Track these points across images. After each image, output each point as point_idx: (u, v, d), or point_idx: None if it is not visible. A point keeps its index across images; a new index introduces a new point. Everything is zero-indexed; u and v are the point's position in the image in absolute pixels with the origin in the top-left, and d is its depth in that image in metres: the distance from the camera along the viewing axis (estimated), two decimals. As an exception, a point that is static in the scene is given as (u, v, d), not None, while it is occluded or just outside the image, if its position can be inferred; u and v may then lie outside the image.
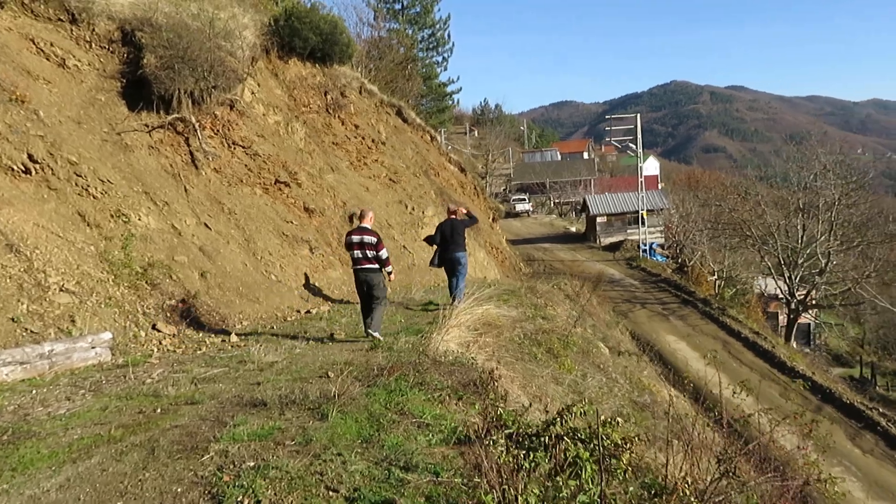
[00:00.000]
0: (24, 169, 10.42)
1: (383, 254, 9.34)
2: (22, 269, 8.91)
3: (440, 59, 42.73)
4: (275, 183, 15.29)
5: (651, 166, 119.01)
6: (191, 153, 13.65)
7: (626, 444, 5.18)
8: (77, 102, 12.45)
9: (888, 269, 28.70)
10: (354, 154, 22.03)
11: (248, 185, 14.64)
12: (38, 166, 10.57)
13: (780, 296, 49.25)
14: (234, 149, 14.68)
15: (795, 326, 32.53)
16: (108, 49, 13.73)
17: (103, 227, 10.83)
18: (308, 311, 12.42)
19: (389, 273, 9.55)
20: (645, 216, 40.36)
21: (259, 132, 15.66)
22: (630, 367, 16.26)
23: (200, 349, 8.96)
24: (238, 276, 12.34)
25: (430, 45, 41.85)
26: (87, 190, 11.02)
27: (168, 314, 10.23)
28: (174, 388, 6.48)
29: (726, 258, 38.41)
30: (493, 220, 35.58)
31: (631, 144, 39.48)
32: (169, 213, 12.11)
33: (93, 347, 8.04)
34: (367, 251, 9.28)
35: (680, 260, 42.20)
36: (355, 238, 9.42)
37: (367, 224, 9.70)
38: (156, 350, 8.93)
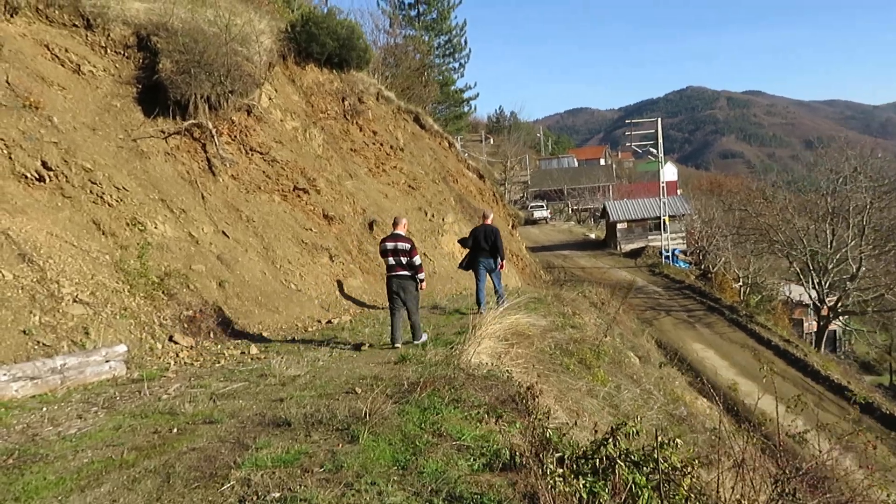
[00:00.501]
0: (37, 176, 10.11)
1: (416, 261, 9.28)
2: (35, 280, 8.56)
3: (457, 65, 42.46)
4: (293, 190, 14.93)
5: (669, 172, 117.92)
6: (208, 160, 13.32)
7: (685, 467, 4.68)
8: (92, 109, 12.16)
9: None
10: (373, 160, 21.67)
11: (267, 191, 14.29)
12: (51, 174, 10.26)
13: (806, 302, 48.28)
14: (252, 155, 14.33)
15: (825, 334, 31.65)
16: (124, 54, 13.46)
17: (119, 236, 10.49)
18: (329, 322, 12.00)
19: (421, 280, 9.46)
20: (667, 222, 39.65)
21: (277, 138, 15.32)
22: (661, 378, 15.68)
23: (219, 362, 8.54)
24: (257, 285, 11.95)
25: (447, 52, 41.52)
26: (101, 197, 10.70)
27: (185, 325, 9.85)
28: (191, 405, 6.05)
29: (751, 264, 37.58)
30: (513, 226, 35.08)
31: (652, 149, 38.83)
32: (186, 221, 11.76)
33: (107, 361, 7.65)
34: (401, 258, 9.21)
35: (703, 266, 41.41)
36: (389, 245, 9.35)
37: (400, 231, 9.54)
38: (172, 363, 8.53)
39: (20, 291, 8.28)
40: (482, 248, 11.59)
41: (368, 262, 16.14)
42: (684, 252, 42.80)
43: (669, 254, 39.90)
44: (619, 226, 46.46)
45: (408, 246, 9.26)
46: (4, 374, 6.74)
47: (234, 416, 5.63)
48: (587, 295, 20.84)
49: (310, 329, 11.34)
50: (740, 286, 38.10)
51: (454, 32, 40.87)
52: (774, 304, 39.47)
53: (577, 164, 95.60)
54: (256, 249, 12.79)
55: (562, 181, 70.15)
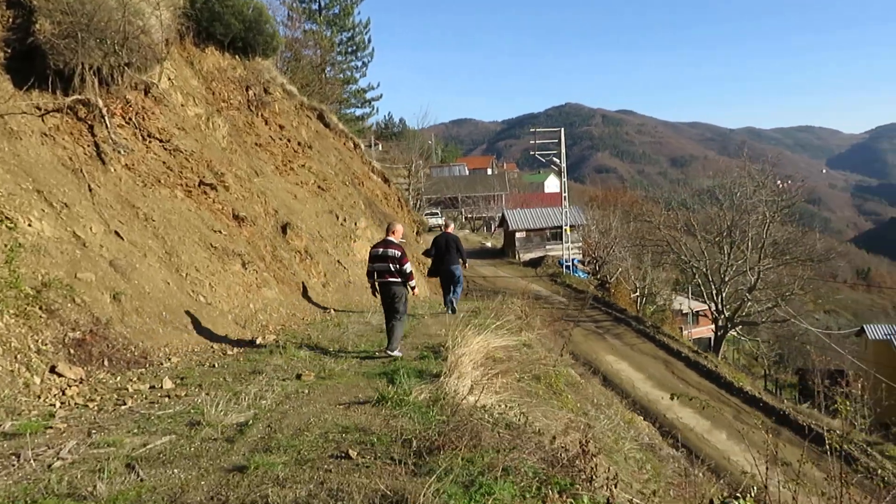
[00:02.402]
0: None
1: (407, 268, 9.07)
2: None
3: (359, 63, 40.58)
4: (199, 185, 12.78)
5: (552, 184, 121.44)
6: (96, 144, 10.99)
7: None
8: (-57, 73, 9.60)
9: (810, 288, 29.15)
10: (280, 157, 19.62)
11: (168, 186, 12.07)
12: None
13: (685, 311, 50.21)
14: (150, 142, 12.08)
15: (721, 343, 32.54)
16: (-13, 11, 10.89)
17: (-21, 235, 8.12)
18: (252, 342, 10.06)
19: (413, 288, 9.30)
20: (568, 232, 39.71)
21: (179, 124, 13.12)
22: (596, 395, 14.83)
23: (124, 402, 6.53)
24: (160, 297, 9.83)
25: (350, 49, 39.60)
26: (-44, 185, 8.28)
27: (72, 351, 7.68)
28: (104, 482, 4.18)
29: (647, 275, 38.30)
30: (417, 233, 33.70)
31: (555, 159, 38.76)
32: (69, 218, 9.46)
33: (-35, 408, 5.51)
34: (391, 265, 9.01)
35: (600, 276, 41.88)
36: (379, 251, 9.17)
37: (393, 238, 9.35)
38: (58, 405, 6.43)
39: None
40: (446, 256, 12.64)
41: (283, 269, 14.21)
42: (582, 262, 43.13)
43: (570, 264, 39.97)
44: (517, 235, 46.23)
45: (398, 253, 9.05)
46: None
47: (175, 502, 3.85)
48: (509, 307, 19.82)
49: (230, 352, 9.37)
50: (637, 296, 38.72)
51: (357, 30, 39.09)
52: (666, 315, 40.50)
53: (468, 172, 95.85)
54: (157, 254, 10.62)
55: (456, 189, 69.58)
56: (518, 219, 47.05)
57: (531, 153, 40.20)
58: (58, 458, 4.81)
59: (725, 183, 31.97)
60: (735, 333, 33.08)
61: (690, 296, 45.26)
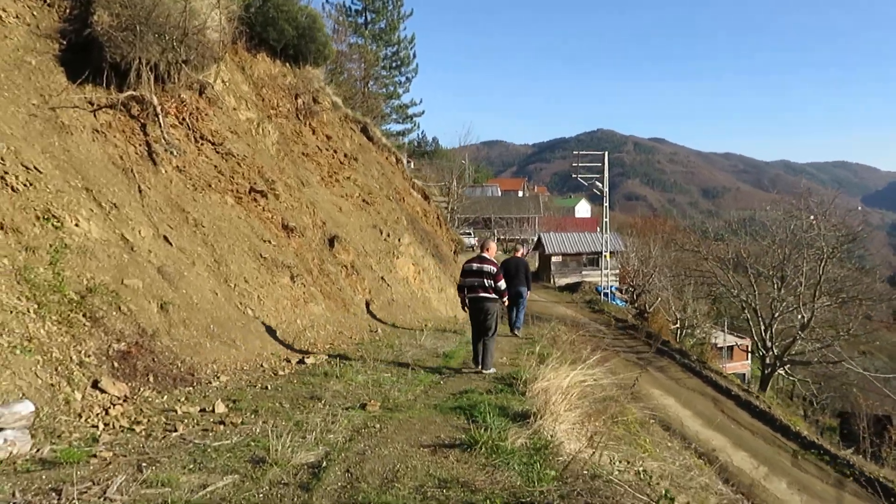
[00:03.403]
0: None
1: (501, 285, 9.17)
2: None
3: (403, 79, 40.23)
4: (249, 192, 12.18)
5: (583, 209, 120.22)
6: (148, 144, 10.44)
7: None
8: (-3, 62, 9.11)
9: (867, 329, 27.75)
10: (326, 168, 19.07)
11: (218, 191, 11.47)
12: (-69, 138, 7.23)
13: (719, 346, 48.63)
14: (202, 144, 11.52)
15: (769, 381, 31.09)
16: (45, 1, 10.44)
17: (24, 233, 7.52)
18: (301, 362, 9.32)
19: (505, 302, 9.70)
20: (608, 258, 38.66)
21: (232, 128, 12.56)
22: (655, 433, 13.84)
23: (173, 427, 5.80)
24: (208, 309, 9.16)
25: (393, 64, 39.28)
26: (3, 178, 7.71)
27: (115, 364, 7.00)
28: (165, 537, 3.43)
29: (689, 307, 37.05)
30: (455, 252, 32.97)
31: (598, 182, 37.83)
32: (118, 220, 8.86)
33: (0, 429, 4.82)
34: (486, 280, 9.12)
35: (637, 305, 40.70)
36: (475, 266, 9.31)
37: (487, 255, 9.47)
38: (101, 427, 5.73)
39: None
40: (514, 279, 12.73)
41: (330, 284, 13.51)
42: (620, 290, 41.98)
43: (608, 291, 38.83)
44: (553, 259, 45.29)
45: (494, 269, 9.19)
46: None
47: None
48: (557, 334, 18.93)
49: (280, 372, 8.63)
50: (677, 328, 37.46)
51: (402, 45, 38.79)
52: (705, 348, 39.14)
53: (500, 193, 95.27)
54: (206, 262, 9.97)
55: (490, 209, 68.74)
56: (554, 242, 46.11)
57: (573, 176, 39.30)
58: (105, 499, 4.08)
59: (777, 216, 30.73)
60: (783, 372, 31.57)
61: (726, 329, 43.84)
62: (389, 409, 6.82)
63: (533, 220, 68.60)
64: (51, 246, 7.66)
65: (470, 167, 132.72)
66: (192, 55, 10.82)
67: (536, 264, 51.23)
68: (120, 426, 5.78)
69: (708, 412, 21.72)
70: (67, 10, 10.45)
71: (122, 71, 10.02)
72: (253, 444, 5.30)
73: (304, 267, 12.73)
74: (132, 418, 6.05)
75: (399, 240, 20.75)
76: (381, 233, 19.93)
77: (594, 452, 4.82)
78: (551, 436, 5.38)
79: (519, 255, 14.37)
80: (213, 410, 6.40)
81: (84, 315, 7.23)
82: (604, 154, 38.67)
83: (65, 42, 10.09)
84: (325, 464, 4.72)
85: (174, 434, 5.60)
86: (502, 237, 67.45)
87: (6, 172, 7.74)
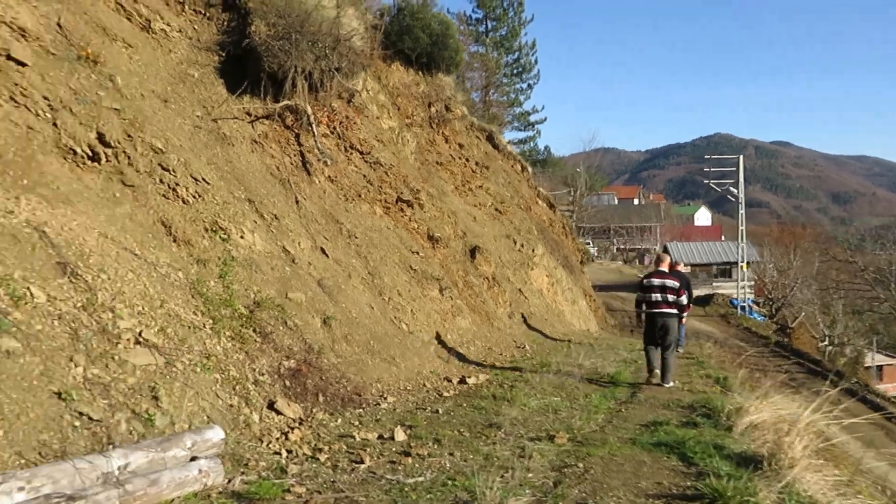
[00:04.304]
0: (90, 154, 7.08)
1: (683, 300, 9.22)
2: (79, 304, 5.47)
3: (524, 86, 39.52)
4: (396, 201, 11.85)
5: (703, 216, 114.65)
6: (301, 154, 10.29)
7: None
8: (163, 76, 9.19)
9: None
10: (459, 177, 18.64)
11: (367, 201, 11.21)
12: (110, 151, 7.23)
13: (870, 365, 44.40)
14: (352, 153, 11.30)
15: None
16: (205, 14, 10.55)
17: (195, 245, 7.41)
18: (462, 381, 8.77)
19: (682, 318, 9.66)
20: (745, 269, 36.15)
21: (378, 136, 12.31)
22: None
23: (360, 458, 5.32)
24: (366, 323, 8.79)
25: (515, 71, 38.74)
26: (174, 190, 7.65)
27: (287, 383, 6.68)
28: None
29: (838, 322, 33.95)
30: (582, 262, 31.85)
31: (732, 189, 35.51)
32: (279, 232, 8.67)
33: (193, 458, 4.48)
34: (669, 295, 9.05)
35: (777, 320, 37.80)
36: (656, 281, 9.21)
37: (664, 268, 9.46)
38: (284, 454, 5.34)
39: (55, 322, 5.18)
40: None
41: (474, 297, 12.97)
42: (757, 303, 39.20)
43: (745, 304, 36.28)
44: (681, 269, 42.95)
45: (677, 284, 9.14)
46: (18, 489, 3.61)
47: None
48: (705, 350, 17.52)
49: (445, 394, 8.11)
50: (825, 346, 34.42)
51: (523, 51, 38.18)
52: (859, 367, 35.75)
53: (616, 201, 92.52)
54: (361, 275, 9.66)
55: (610, 218, 66.63)
56: (681, 252, 43.78)
57: (704, 181, 37.03)
58: (317, 549, 3.59)
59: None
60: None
61: (874, 347, 40.02)
62: (580, 442, 6.08)
63: (654, 229, 65.82)
64: (219, 259, 7.51)
65: (586, 175, 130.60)
66: (344, 62, 10.62)
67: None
68: (303, 454, 5.37)
69: (883, 447, 19.43)
70: (225, 23, 10.51)
71: (279, 80, 9.93)
72: (450, 482, 4.72)
73: (451, 279, 12.25)
74: (312, 444, 5.65)
75: (533, 250, 20.04)
76: (515, 243, 19.30)
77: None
78: (805, 492, 4.47)
79: (678, 268, 13.66)
80: (393, 438, 5.91)
81: (254, 330, 6.98)
82: (739, 157, 36.22)
83: (223, 54, 10.12)
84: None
85: (362, 466, 5.12)
86: (622, 247, 65.24)
87: (177, 184, 7.68)
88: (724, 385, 9.41)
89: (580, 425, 6.74)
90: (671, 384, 9.16)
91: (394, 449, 5.64)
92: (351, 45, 11.32)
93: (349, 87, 11.20)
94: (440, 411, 7.11)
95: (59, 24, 7.81)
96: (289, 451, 5.38)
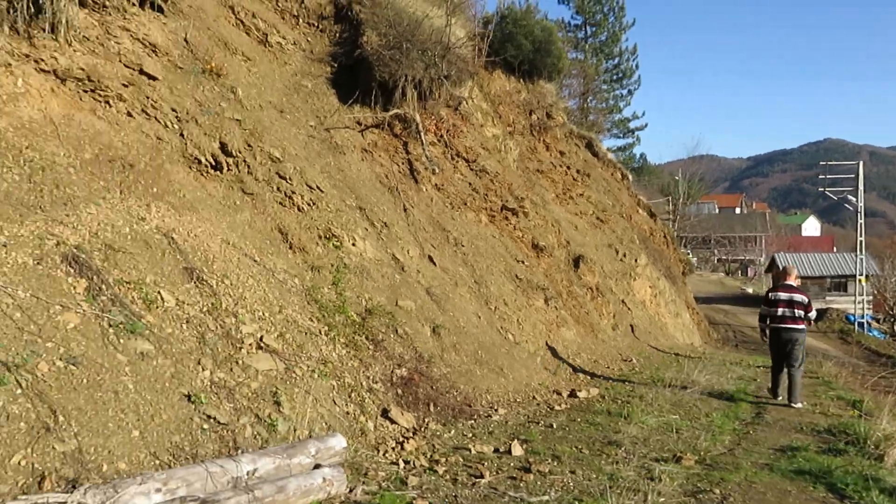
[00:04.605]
0: (213, 163, 7.34)
1: (812, 315, 9.02)
2: (204, 309, 5.62)
3: (624, 92, 38.55)
4: (501, 210, 11.72)
5: (811, 227, 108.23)
6: (409, 162, 10.34)
7: None
8: (279, 87, 9.45)
9: None
10: (560, 185, 18.29)
11: (473, 209, 11.13)
12: (231, 161, 7.47)
13: None
14: (458, 161, 11.27)
15: None
16: (317, 26, 10.82)
17: (310, 252, 7.53)
18: (573, 395, 8.50)
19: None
20: (864, 283, 33.74)
21: (483, 144, 12.23)
22: None
23: (479, 473, 5.18)
24: (473, 333, 8.67)
25: (615, 77, 37.89)
26: (290, 198, 7.81)
27: (399, 392, 6.64)
28: None
29: (973, 342, 31.08)
30: (684, 273, 30.65)
31: (851, 197, 33.28)
32: (388, 239, 8.71)
33: (317, 466, 4.47)
34: (797, 310, 8.77)
35: (900, 338, 35.01)
36: (783, 295, 8.92)
37: (791, 282, 9.11)
38: (402, 464, 5.27)
39: (185, 326, 5.33)
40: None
41: (578, 307, 12.63)
42: (876, 319, 36.50)
43: (863, 320, 33.83)
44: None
45: (805, 299, 8.88)
46: (155, 490, 3.67)
47: None
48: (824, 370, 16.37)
49: (556, 407, 7.86)
50: (957, 368, 31.53)
51: (623, 56, 37.28)
52: None
53: (717, 210, 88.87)
54: (467, 284, 9.56)
55: (711, 228, 63.99)
56: (793, 264, 41.39)
57: (820, 189, 34.84)
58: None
59: None
60: None
61: None
62: (709, 465, 5.70)
63: (758, 239, 62.70)
64: (332, 265, 7.60)
65: (684, 183, 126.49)
66: (453, 70, 10.60)
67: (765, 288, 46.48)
68: (420, 465, 5.28)
69: None
70: (337, 35, 10.72)
71: (389, 89, 10.01)
72: (577, 503, 4.49)
73: (555, 289, 11.97)
74: (428, 456, 5.55)
75: (635, 260, 19.42)
76: (617, 253, 18.74)
77: None
78: None
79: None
80: (510, 452, 5.73)
81: (366, 338, 6.99)
82: (858, 163, 33.91)
83: (335, 65, 10.32)
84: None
85: (482, 481, 4.97)
86: (724, 257, 62.53)
87: (293, 192, 7.84)
88: (861, 409, 8.66)
89: (706, 447, 6.33)
90: (800, 405, 8.69)
91: (512, 464, 5.47)
92: (459, 53, 11.30)
93: (456, 95, 11.18)
94: (554, 426, 6.87)
95: (185, 40, 8.15)
96: (406, 462, 5.30)
